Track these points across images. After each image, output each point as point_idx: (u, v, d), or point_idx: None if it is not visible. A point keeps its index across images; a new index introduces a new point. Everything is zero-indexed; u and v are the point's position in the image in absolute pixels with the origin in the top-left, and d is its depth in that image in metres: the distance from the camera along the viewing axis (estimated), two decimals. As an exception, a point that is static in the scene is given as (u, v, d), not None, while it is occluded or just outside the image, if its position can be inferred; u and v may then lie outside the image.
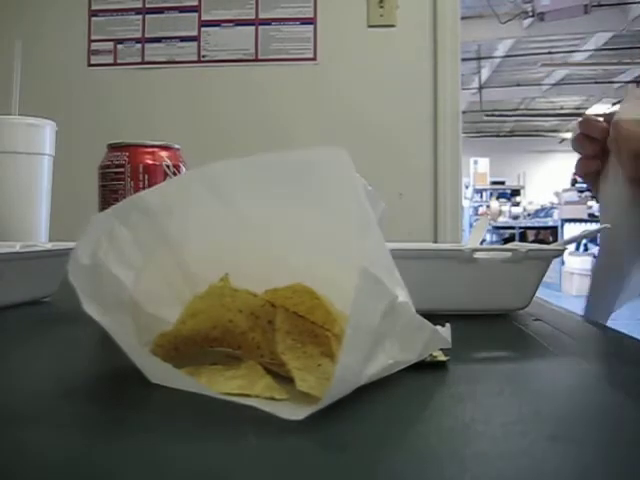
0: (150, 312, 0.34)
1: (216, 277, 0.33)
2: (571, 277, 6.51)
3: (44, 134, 0.83)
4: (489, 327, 0.50)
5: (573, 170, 0.64)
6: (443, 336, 0.35)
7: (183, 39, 1.88)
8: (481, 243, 0.63)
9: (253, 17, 1.86)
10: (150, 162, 0.59)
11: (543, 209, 8.88)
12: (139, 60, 1.89)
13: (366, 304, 0.26)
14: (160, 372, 0.29)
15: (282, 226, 0.34)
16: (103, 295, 0.30)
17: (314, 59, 1.85)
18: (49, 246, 0.64)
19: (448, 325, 0.37)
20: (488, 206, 9.57)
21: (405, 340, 0.31)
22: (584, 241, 6.68)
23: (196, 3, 1.87)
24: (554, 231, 7.32)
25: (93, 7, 1.89)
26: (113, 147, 0.60)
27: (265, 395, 0.28)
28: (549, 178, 11.54)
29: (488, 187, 10.16)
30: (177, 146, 0.62)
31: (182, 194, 0.34)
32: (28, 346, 0.43)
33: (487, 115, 10.36)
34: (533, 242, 4.15)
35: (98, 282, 0.31)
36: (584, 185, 8.18)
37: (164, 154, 0.60)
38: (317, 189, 0.33)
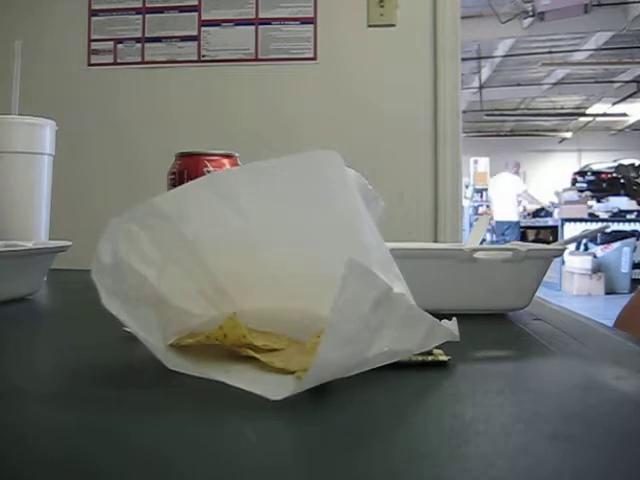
0: (175, 305, 0.36)
1: (233, 273, 0.37)
2: (571, 277, 6.50)
3: (44, 134, 0.83)
4: (489, 327, 0.50)
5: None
6: (447, 328, 0.35)
7: (183, 39, 1.88)
8: (481, 243, 0.63)
9: (253, 17, 1.86)
10: (212, 169, 0.65)
11: (543, 209, 8.86)
12: (139, 60, 1.89)
13: (352, 292, 0.28)
14: (177, 361, 0.32)
15: (283, 225, 0.36)
16: (125, 291, 0.32)
17: (314, 59, 1.85)
18: (30, 245, 0.65)
19: (454, 319, 0.37)
20: (488, 206, 9.55)
21: (403, 330, 0.32)
22: (584, 241, 6.67)
23: (196, 3, 1.87)
24: (554, 231, 7.30)
25: (93, 7, 1.89)
26: (181, 155, 0.66)
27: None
28: (549, 178, 11.53)
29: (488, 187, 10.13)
30: (236, 154, 0.67)
31: (193, 199, 0.36)
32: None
33: (487, 115, 10.34)
34: (533, 242, 4.14)
35: (120, 279, 0.32)
36: (584, 185, 8.18)
37: (225, 161, 0.66)
38: (314, 190, 0.35)
